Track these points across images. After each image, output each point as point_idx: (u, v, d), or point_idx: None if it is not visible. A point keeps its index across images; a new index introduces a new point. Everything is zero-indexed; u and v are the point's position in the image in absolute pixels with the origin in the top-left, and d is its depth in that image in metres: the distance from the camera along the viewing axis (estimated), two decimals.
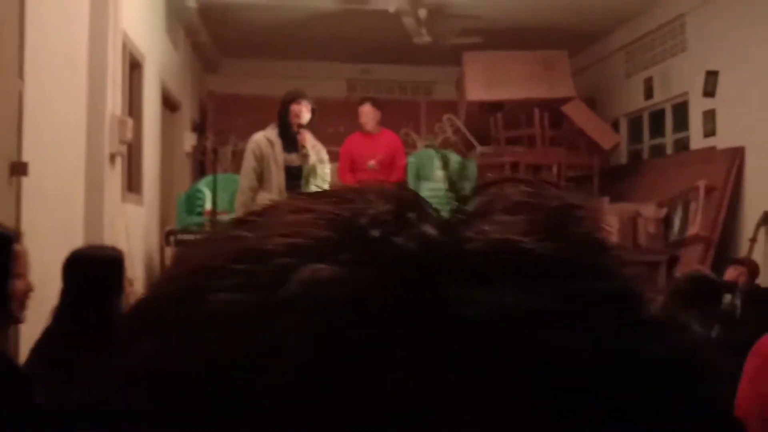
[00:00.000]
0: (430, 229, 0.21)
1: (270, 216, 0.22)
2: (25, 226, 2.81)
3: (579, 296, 0.20)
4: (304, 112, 3.90)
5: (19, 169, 2.77)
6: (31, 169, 2.82)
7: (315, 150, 3.92)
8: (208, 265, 0.20)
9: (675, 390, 0.20)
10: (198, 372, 0.18)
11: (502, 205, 0.22)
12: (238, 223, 0.23)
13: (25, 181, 2.82)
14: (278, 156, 3.85)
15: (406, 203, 0.22)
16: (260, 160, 3.87)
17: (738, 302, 2.69)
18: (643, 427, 0.19)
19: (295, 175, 3.85)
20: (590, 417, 0.18)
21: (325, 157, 4.02)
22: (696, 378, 0.21)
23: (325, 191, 0.24)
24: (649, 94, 6.99)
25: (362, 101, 5.53)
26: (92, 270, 1.96)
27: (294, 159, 3.87)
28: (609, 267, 0.21)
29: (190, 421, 0.18)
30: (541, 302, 0.19)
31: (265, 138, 3.91)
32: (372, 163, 5.41)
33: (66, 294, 1.93)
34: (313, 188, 3.92)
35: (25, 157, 2.81)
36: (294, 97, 3.92)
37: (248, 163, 3.92)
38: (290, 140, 3.87)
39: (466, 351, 0.18)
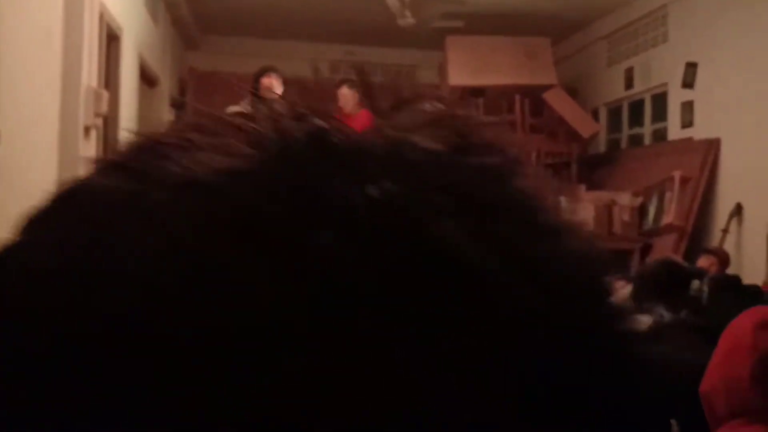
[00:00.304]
0: (320, 123, 0.21)
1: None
2: None
3: (467, 193, 0.20)
4: (275, 86, 3.90)
5: None
6: (4, 138, 2.78)
7: None
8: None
9: (569, 293, 0.20)
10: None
11: (414, 118, 0.22)
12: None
13: None
14: None
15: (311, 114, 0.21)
16: None
17: (705, 289, 2.74)
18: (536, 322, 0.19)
19: None
20: (479, 315, 0.18)
21: None
22: (592, 283, 0.21)
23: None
24: (629, 83, 7.04)
25: (340, 83, 5.49)
26: None
27: None
28: (500, 170, 0.21)
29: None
30: (426, 194, 0.19)
31: (239, 110, 3.88)
32: None
33: None
34: None
35: None
36: (264, 71, 3.92)
37: None
38: None
39: (333, 239, 0.18)
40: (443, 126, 0.22)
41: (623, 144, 7.35)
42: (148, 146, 0.21)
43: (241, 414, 0.17)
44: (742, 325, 1.38)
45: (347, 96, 5.34)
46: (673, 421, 2.31)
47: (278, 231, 0.18)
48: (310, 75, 8.68)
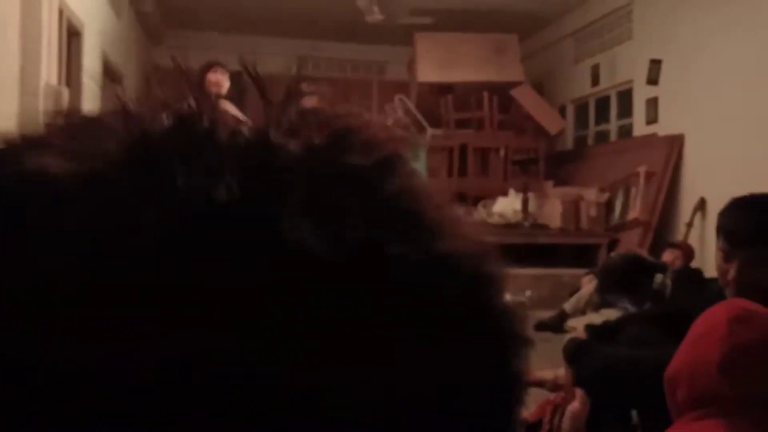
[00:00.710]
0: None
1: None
2: None
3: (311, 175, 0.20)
4: (222, 81, 3.74)
5: None
6: None
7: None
8: None
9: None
10: None
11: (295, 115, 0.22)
12: None
13: None
14: None
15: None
16: None
17: (669, 282, 2.78)
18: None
19: None
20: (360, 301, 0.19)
21: None
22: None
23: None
24: (595, 80, 7.12)
25: (208, 67, 5.22)
26: None
27: None
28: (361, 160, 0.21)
29: None
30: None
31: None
32: None
33: None
34: None
35: None
36: (210, 66, 3.73)
37: None
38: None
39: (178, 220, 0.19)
40: (322, 123, 0.22)
41: (590, 140, 7.44)
42: (14, 145, 0.21)
43: None
44: (716, 314, 1.39)
45: (220, 80, 5.17)
46: (633, 413, 2.34)
47: (112, 228, 0.18)
48: (275, 70, 8.60)
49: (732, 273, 1.73)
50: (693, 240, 5.23)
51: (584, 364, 2.50)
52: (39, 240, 0.18)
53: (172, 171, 0.19)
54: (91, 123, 0.22)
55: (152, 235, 0.18)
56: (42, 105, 3.71)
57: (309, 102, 0.22)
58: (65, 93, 3.96)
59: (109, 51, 5.82)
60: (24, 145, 0.21)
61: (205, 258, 0.18)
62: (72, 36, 4.69)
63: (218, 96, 3.70)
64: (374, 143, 0.22)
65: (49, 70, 3.82)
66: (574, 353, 2.80)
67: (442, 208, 0.22)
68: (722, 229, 1.97)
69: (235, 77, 8.76)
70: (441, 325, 0.20)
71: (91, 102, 5.22)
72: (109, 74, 6.03)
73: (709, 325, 1.41)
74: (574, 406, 2.24)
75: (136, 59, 7.20)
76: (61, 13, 4.15)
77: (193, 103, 0.21)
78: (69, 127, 0.22)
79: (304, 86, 0.23)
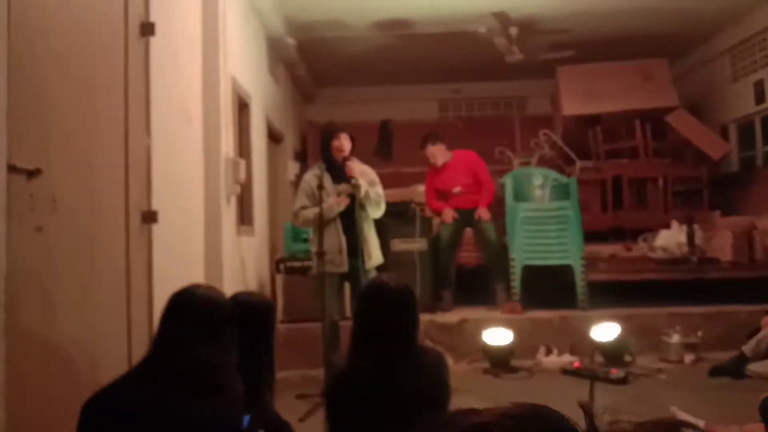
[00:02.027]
0: None
1: None
2: (156, 270, 3.06)
3: None
4: (345, 144, 3.98)
5: (149, 217, 3.02)
6: (160, 216, 3.07)
7: (365, 175, 3.99)
8: None
9: None
10: None
11: None
12: None
13: (155, 228, 3.08)
14: (329, 189, 3.95)
15: None
16: (311, 196, 3.99)
17: None
18: None
19: (347, 208, 3.93)
20: None
21: (376, 179, 4.08)
22: None
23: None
24: (760, 97, 6.64)
25: (422, 144, 5.52)
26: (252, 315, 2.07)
27: (345, 188, 3.95)
28: None
29: None
30: None
31: (314, 176, 4.03)
32: (458, 189, 5.48)
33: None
34: (370, 213, 3.96)
35: (155, 205, 3.07)
36: (332, 134, 4.00)
37: (299, 201, 4.04)
38: (338, 172, 3.97)
39: None
40: None
41: (758, 162, 6.91)
42: None
43: None
44: None
45: (434, 152, 5.44)
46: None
47: None
48: (419, 116, 8.86)
49: None
50: None
51: None
52: None
53: None
54: None
55: None
56: (223, 177, 4.12)
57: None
58: (242, 164, 4.37)
59: (271, 115, 6.33)
60: None
61: None
62: (242, 108, 5.17)
63: (344, 159, 3.94)
64: None
65: (227, 145, 4.24)
66: None
67: None
68: None
69: (382, 124, 9.11)
70: None
71: (259, 165, 5.70)
72: (273, 136, 6.55)
73: None
74: None
75: (293, 118, 7.76)
76: (233, 90, 4.61)
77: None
78: None
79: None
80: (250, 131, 5.35)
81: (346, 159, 3.94)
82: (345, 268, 3.91)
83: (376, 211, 4.02)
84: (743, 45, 6.82)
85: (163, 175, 3.22)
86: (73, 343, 2.29)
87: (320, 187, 3.89)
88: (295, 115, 7.99)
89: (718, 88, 7.31)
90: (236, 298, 2.11)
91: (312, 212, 3.97)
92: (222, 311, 1.78)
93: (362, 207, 3.94)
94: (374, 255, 3.99)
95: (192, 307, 1.73)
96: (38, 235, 2.09)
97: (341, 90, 8.76)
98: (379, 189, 4.03)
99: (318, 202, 3.91)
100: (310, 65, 7.78)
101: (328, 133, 4.03)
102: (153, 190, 3.08)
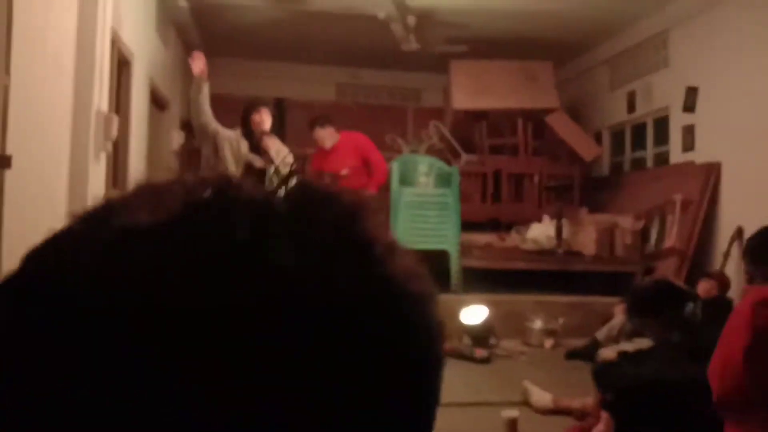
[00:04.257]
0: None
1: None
2: (7, 219, 2.86)
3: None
4: (265, 120, 4.12)
5: (2, 161, 2.81)
6: (15, 162, 2.86)
7: (279, 154, 4.09)
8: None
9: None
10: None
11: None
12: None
13: (8, 174, 2.87)
14: (242, 152, 4.04)
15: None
16: (216, 138, 4.09)
17: (699, 311, 2.78)
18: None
19: (256, 178, 4.00)
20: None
21: (290, 159, 4.20)
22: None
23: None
24: (631, 107, 7.12)
25: (310, 127, 5.55)
26: None
27: (257, 160, 4.07)
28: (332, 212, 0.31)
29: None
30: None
31: (234, 133, 4.16)
32: (345, 171, 5.46)
33: None
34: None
35: (9, 150, 2.86)
36: (253, 107, 4.14)
37: (213, 121, 4.12)
38: (255, 145, 4.09)
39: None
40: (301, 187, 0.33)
41: (626, 167, 7.41)
42: (106, 205, 0.32)
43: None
44: (743, 305, 1.43)
45: (322, 135, 5.45)
46: None
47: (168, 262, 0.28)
48: (317, 97, 8.82)
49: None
50: (730, 270, 5.17)
51: (611, 383, 2.52)
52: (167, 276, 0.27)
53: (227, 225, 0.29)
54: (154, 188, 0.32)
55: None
56: (93, 131, 3.91)
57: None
58: (115, 120, 4.16)
59: (157, 78, 6.07)
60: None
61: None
62: (122, 65, 4.92)
63: (262, 133, 4.02)
64: (340, 199, 0.32)
65: (100, 99, 4.03)
66: (602, 374, 2.82)
67: (391, 245, 0.31)
68: (748, 252, 2.01)
69: (277, 102, 8.99)
70: (368, 334, 0.29)
71: (138, 128, 5.45)
72: (157, 101, 6.28)
73: (737, 315, 1.45)
74: (599, 429, 2.27)
75: (182, 86, 7.47)
76: (113, 44, 4.37)
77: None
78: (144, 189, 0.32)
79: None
80: (129, 91, 5.10)
81: (264, 134, 4.01)
82: None
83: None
84: (621, 57, 7.28)
85: (23, 120, 3.01)
86: None
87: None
88: (185, 83, 7.69)
89: (596, 95, 7.77)
90: None
91: (208, 114, 4.10)
92: None
93: (271, 183, 4.01)
94: None
95: None
96: None
97: (237, 62, 8.52)
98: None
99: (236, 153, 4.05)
100: (204, 32, 7.52)
101: (251, 106, 4.13)
102: (8, 134, 2.87)
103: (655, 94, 6.71)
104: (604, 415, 2.12)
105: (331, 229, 0.30)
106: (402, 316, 0.30)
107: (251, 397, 0.26)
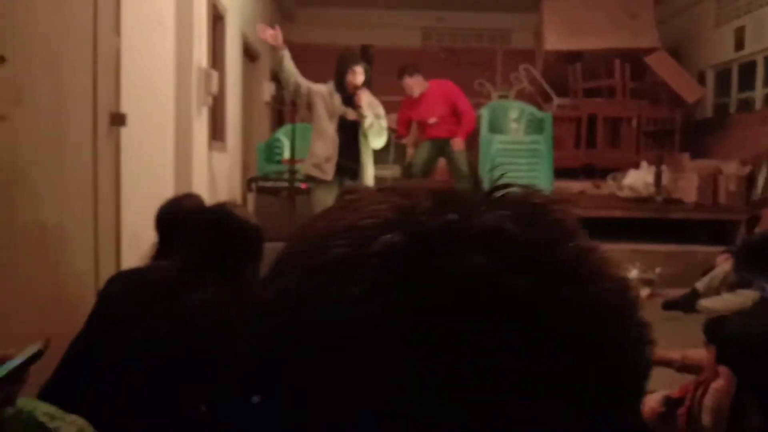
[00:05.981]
0: (452, 216, 0.33)
1: (360, 203, 0.35)
2: (124, 174, 3.04)
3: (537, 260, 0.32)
4: (358, 77, 4.13)
5: (118, 119, 2.98)
6: (128, 120, 3.03)
7: (372, 107, 4.11)
8: (324, 233, 0.34)
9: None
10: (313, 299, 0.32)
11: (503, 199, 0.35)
12: (341, 205, 0.36)
13: (124, 131, 3.04)
14: (336, 106, 4.06)
15: (442, 197, 0.34)
16: (309, 95, 4.15)
17: None
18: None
19: (350, 130, 4.12)
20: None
21: (382, 112, 4.25)
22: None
23: (392, 188, 0.36)
24: (740, 44, 6.64)
25: (399, 76, 5.49)
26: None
27: (350, 113, 4.11)
28: (562, 245, 0.34)
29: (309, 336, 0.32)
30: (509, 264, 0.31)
31: (326, 88, 4.19)
32: (433, 119, 5.45)
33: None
34: (371, 143, 4.17)
35: (123, 108, 3.02)
36: (347, 66, 4.13)
37: (304, 81, 4.18)
38: (348, 99, 4.10)
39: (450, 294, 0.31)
40: (521, 207, 0.34)
41: (732, 109, 6.97)
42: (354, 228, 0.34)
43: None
44: None
45: (411, 84, 5.42)
46: None
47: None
48: (401, 43, 8.72)
49: None
50: None
51: (727, 338, 2.44)
52: None
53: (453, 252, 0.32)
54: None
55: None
56: (195, 87, 4.05)
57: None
58: (215, 75, 4.29)
59: (248, 31, 6.17)
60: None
61: None
62: (217, 20, 5.03)
63: (356, 88, 4.07)
64: (559, 220, 0.35)
65: (200, 55, 4.15)
66: (716, 328, 2.73)
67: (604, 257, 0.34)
68: None
69: (363, 49, 8.99)
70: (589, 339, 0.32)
71: (233, 81, 5.59)
72: (248, 54, 6.40)
73: None
74: (719, 383, 2.23)
75: None
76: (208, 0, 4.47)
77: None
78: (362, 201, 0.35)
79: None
80: (225, 45, 5.22)
81: (357, 88, 4.11)
82: (328, 177, 4.12)
83: (378, 141, 4.23)
84: None
85: (133, 79, 3.16)
86: (35, 241, 2.30)
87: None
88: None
89: (700, 33, 7.29)
90: (224, 209, 1.81)
91: (296, 76, 4.20)
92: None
93: (365, 137, 4.14)
94: (369, 182, 4.21)
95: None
96: (1, 123, 2.05)
97: (322, 11, 8.53)
98: (383, 122, 4.22)
99: (317, 114, 4.15)
100: None
101: (345, 63, 4.17)
102: (122, 93, 3.03)
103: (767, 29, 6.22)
104: (724, 369, 2.07)
105: (564, 252, 0.33)
106: (633, 324, 0.34)
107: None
